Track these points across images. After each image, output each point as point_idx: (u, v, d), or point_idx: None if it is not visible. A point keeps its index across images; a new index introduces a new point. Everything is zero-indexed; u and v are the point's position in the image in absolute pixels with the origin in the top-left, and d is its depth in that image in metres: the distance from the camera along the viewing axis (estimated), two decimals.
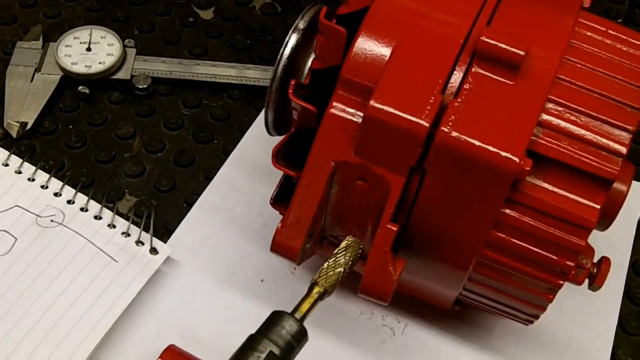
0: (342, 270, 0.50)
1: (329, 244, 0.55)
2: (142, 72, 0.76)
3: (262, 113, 0.58)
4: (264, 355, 0.46)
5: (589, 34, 0.51)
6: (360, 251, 0.51)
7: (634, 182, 0.71)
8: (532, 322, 0.56)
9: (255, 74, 0.77)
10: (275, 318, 0.48)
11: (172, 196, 0.69)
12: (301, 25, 0.56)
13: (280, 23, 0.84)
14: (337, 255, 0.50)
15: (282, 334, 0.48)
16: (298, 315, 0.49)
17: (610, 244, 0.65)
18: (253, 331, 0.61)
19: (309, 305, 0.50)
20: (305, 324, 0.61)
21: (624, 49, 0.51)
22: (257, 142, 0.73)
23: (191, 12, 0.85)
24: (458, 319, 0.63)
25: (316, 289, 0.50)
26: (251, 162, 0.71)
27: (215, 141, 0.73)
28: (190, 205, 0.68)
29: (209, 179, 0.70)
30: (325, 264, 0.50)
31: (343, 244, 0.51)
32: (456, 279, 0.52)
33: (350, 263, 0.50)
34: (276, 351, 0.47)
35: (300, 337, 0.48)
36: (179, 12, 0.84)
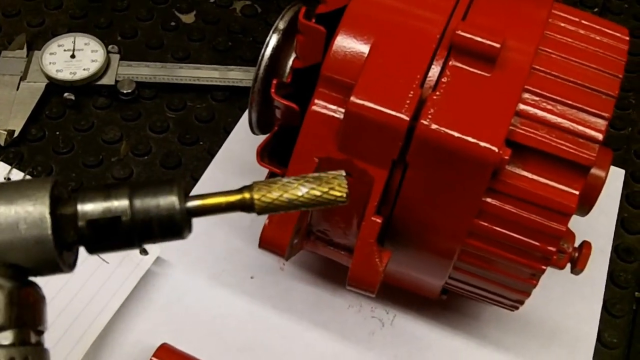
0: (291, 199, 0.37)
1: (316, 238, 0.56)
2: (126, 77, 0.76)
3: (246, 113, 0.59)
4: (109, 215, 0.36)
5: (562, 24, 0.52)
6: (336, 197, 0.37)
7: (614, 168, 0.74)
8: (517, 307, 0.57)
9: (238, 75, 0.78)
10: (162, 186, 0.37)
11: None
12: (281, 25, 0.56)
13: (261, 24, 0.85)
14: (296, 182, 0.38)
15: (150, 206, 0.36)
16: (191, 204, 0.37)
17: (593, 229, 0.67)
18: (245, 327, 0.62)
19: (216, 203, 0.37)
20: (296, 317, 0.63)
21: (597, 38, 0.52)
22: (242, 141, 0.74)
23: (173, 16, 0.85)
24: (446, 308, 0.64)
25: (244, 194, 0.37)
26: (237, 161, 0.72)
27: (201, 142, 0.74)
28: None
29: (195, 179, 0.71)
30: (282, 181, 0.38)
31: (319, 174, 0.38)
32: (441, 268, 0.53)
33: (308, 200, 0.37)
34: (125, 217, 0.36)
35: (172, 226, 0.37)
36: (160, 17, 0.85)
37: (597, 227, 0.70)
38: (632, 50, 0.85)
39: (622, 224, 0.71)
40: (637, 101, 0.82)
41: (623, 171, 0.75)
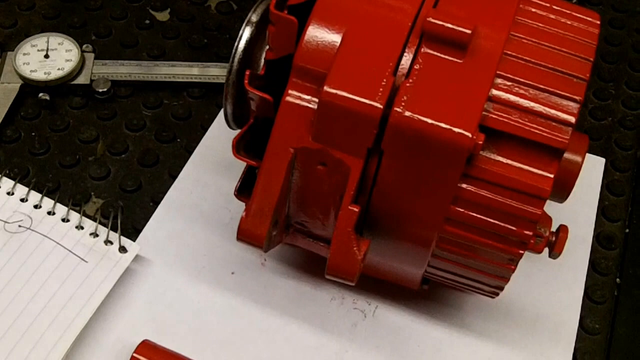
0: None
1: (295, 231, 0.56)
2: (101, 76, 0.76)
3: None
4: None
5: (533, 10, 0.53)
6: None
7: (594, 157, 0.75)
8: (497, 294, 0.57)
9: (214, 72, 0.78)
10: None
11: (138, 196, 0.69)
12: (254, 18, 0.56)
13: (237, 21, 0.85)
14: None
15: None
16: None
17: (574, 218, 0.67)
18: (226, 323, 0.62)
19: None
20: (278, 311, 0.63)
21: (568, 22, 0.53)
22: (220, 138, 0.74)
23: (147, 14, 0.85)
24: (428, 299, 0.64)
25: None
26: (215, 158, 0.72)
27: (178, 140, 0.74)
28: (156, 203, 0.69)
29: (173, 177, 0.71)
30: None
31: None
32: (420, 256, 0.54)
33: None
34: None
35: None
36: (135, 15, 0.85)
37: (579, 216, 0.70)
38: (612, 41, 0.86)
39: (603, 212, 0.71)
40: (617, 91, 0.82)
41: (603, 160, 0.75)
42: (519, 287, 0.65)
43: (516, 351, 0.62)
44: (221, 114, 0.75)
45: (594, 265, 0.68)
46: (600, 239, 0.69)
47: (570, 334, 0.63)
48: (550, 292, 0.66)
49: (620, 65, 0.85)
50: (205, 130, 0.75)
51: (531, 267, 0.65)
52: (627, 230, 0.71)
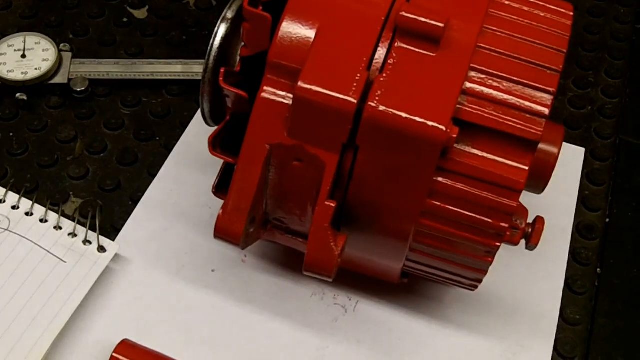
0: None
1: (273, 227, 0.56)
2: (79, 75, 0.76)
3: None
4: None
5: (506, 2, 0.53)
6: None
7: (574, 147, 0.75)
8: (476, 287, 0.57)
9: (193, 69, 0.77)
10: None
11: (117, 195, 0.69)
12: (229, 14, 0.56)
13: (216, 17, 0.84)
14: None
15: None
16: None
17: (554, 208, 0.67)
18: (207, 321, 0.61)
19: None
20: (259, 308, 0.63)
21: (542, 14, 0.53)
22: (199, 135, 0.73)
23: (125, 12, 0.85)
24: (408, 292, 0.64)
25: None
26: (194, 155, 0.72)
27: (157, 138, 0.74)
28: (136, 202, 0.68)
29: (152, 175, 0.70)
30: None
31: None
32: (398, 250, 0.54)
33: None
34: None
35: None
36: (112, 13, 0.84)
37: (558, 206, 0.70)
38: (591, 30, 0.87)
39: (583, 202, 0.72)
40: (597, 80, 0.82)
41: (583, 149, 0.75)
42: (499, 278, 0.65)
43: (497, 342, 0.62)
44: (200, 111, 0.75)
45: (574, 256, 0.68)
46: (581, 229, 0.70)
47: (551, 324, 0.63)
48: (531, 282, 0.66)
49: (600, 54, 0.85)
50: (185, 127, 0.74)
51: (511, 258, 0.65)
52: (607, 220, 0.71)
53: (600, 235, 0.69)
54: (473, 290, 0.59)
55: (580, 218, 0.70)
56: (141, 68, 0.77)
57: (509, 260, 0.65)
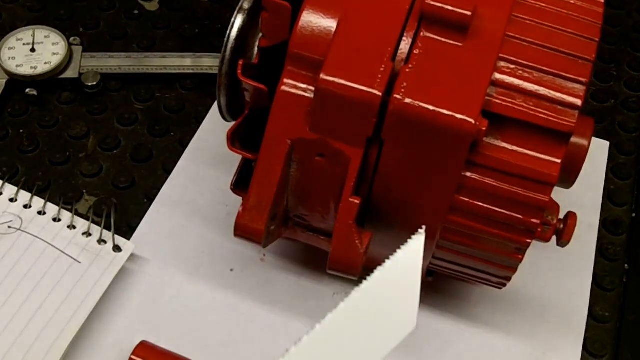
0: None
1: (294, 224, 0.55)
2: (90, 69, 0.74)
3: None
4: None
5: None
6: None
7: (598, 141, 0.73)
8: (504, 284, 0.56)
9: (207, 62, 0.76)
10: None
11: (132, 192, 0.68)
12: (246, 5, 0.55)
13: (229, 9, 0.83)
14: None
15: None
16: None
17: (580, 203, 0.66)
18: (226, 321, 0.60)
19: None
20: (279, 308, 0.61)
21: (572, 1, 0.51)
22: (215, 130, 0.72)
23: (136, 4, 0.83)
24: (433, 291, 0.63)
25: None
26: (210, 151, 0.70)
27: (172, 133, 0.72)
28: (151, 200, 0.67)
29: (168, 172, 0.69)
30: None
31: None
32: (424, 248, 0.52)
33: None
34: None
35: None
36: (123, 6, 0.83)
37: (584, 201, 0.69)
38: (612, 22, 0.85)
39: (609, 196, 0.70)
40: (619, 73, 0.81)
41: (607, 143, 0.74)
42: (526, 276, 0.63)
43: (525, 341, 0.61)
44: (215, 105, 0.74)
45: (601, 252, 0.66)
46: (607, 224, 0.68)
47: (580, 322, 0.62)
48: (558, 280, 0.64)
49: (622, 47, 0.83)
50: (200, 122, 0.73)
51: (538, 255, 0.63)
52: (633, 215, 0.69)
53: (627, 230, 0.68)
54: (501, 289, 0.57)
55: (606, 213, 0.69)
56: (153, 62, 0.76)
57: (535, 258, 0.63)
